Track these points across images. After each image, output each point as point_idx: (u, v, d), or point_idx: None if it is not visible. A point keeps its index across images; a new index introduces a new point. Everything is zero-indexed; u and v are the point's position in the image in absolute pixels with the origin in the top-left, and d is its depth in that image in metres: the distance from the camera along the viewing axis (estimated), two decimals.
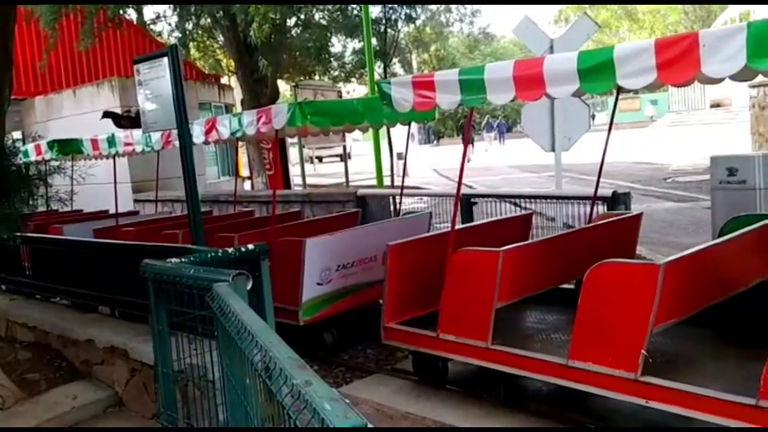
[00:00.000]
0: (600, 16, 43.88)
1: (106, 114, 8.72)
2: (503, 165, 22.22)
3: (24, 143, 10.65)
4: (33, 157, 8.71)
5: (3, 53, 4.89)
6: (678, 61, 2.97)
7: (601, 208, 5.81)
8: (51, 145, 8.47)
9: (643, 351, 3.30)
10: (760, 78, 3.93)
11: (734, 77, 3.07)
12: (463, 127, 34.37)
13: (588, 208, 5.66)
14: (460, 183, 4.73)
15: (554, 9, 45.88)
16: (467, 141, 4.72)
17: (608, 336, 3.47)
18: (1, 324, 6.14)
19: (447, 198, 8.14)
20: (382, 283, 4.69)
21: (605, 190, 6.02)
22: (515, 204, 7.47)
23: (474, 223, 6.32)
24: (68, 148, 8.40)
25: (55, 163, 10.46)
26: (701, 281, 3.75)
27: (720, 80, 3.19)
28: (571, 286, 4.82)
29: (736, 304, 3.95)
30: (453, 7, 24.57)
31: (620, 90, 3.85)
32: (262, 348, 1.86)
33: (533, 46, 7.23)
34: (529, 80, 3.55)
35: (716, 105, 35.43)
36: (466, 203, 7.21)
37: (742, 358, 3.68)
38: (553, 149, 7.28)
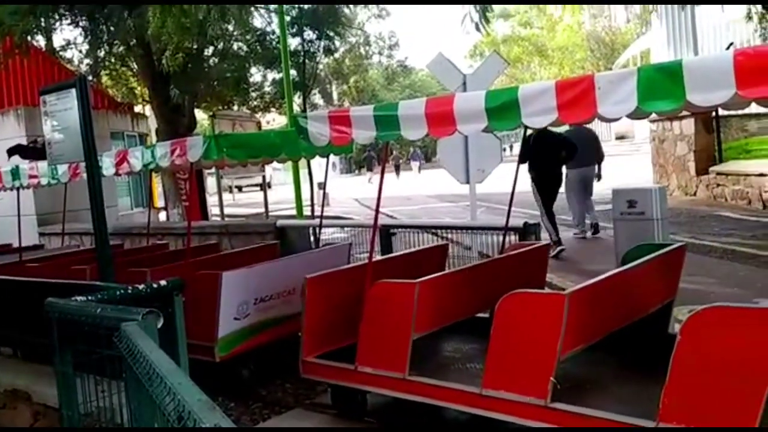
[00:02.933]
0: (513, 51, 45.75)
1: (12, 150, 8.38)
2: (423, 195, 22.59)
3: None
4: None
5: None
6: (576, 103, 3.16)
7: (513, 238, 6.02)
8: None
9: (551, 378, 3.42)
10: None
11: (630, 116, 3.29)
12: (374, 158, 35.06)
13: (501, 238, 5.85)
14: (376, 215, 4.81)
15: (469, 43, 47.49)
16: (383, 172, 4.81)
17: (519, 364, 3.58)
18: None
19: (367, 228, 8.21)
20: (301, 315, 4.68)
21: (518, 220, 6.25)
22: (434, 234, 7.63)
23: (392, 255, 6.41)
24: None
25: None
26: (605, 309, 3.94)
27: (617, 119, 3.41)
28: (487, 315, 4.95)
29: (637, 329, 4.17)
30: (372, 39, 25.00)
31: (527, 126, 4.02)
32: (170, 390, 1.83)
33: (446, 81, 7.48)
34: (441, 117, 3.69)
35: (621, 137, 37.47)
36: (385, 234, 7.30)
37: (643, 382, 3.87)
38: (467, 181, 7.50)
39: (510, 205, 5.40)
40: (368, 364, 4.27)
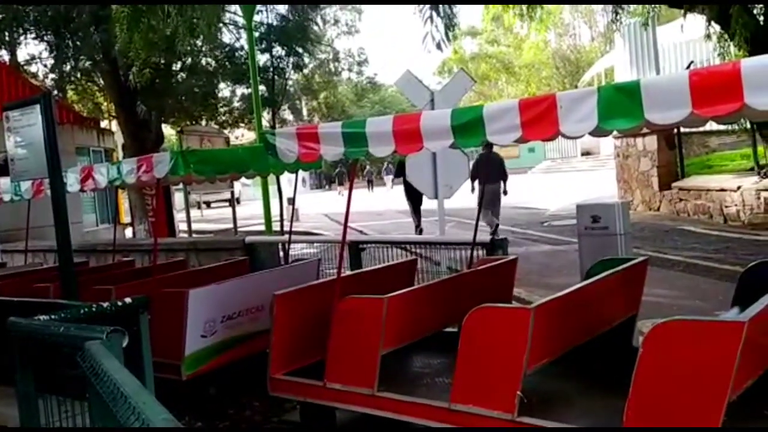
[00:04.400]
0: (480, 68, 46.43)
1: None
2: (393, 210, 22.63)
3: None
4: None
5: None
6: (539, 121, 3.22)
7: (481, 253, 6.07)
8: None
9: (518, 392, 3.45)
10: None
11: (591, 134, 3.37)
12: (348, 172, 35.49)
13: (468, 253, 5.90)
14: (345, 230, 4.81)
15: (438, 60, 48.03)
16: (351, 188, 4.83)
17: (486, 378, 3.61)
18: None
19: (336, 244, 8.21)
20: (269, 332, 4.65)
21: (486, 235, 6.32)
22: (403, 249, 7.66)
23: (360, 270, 6.41)
24: None
25: None
26: (570, 322, 4.00)
27: (579, 137, 3.49)
28: (455, 329, 4.97)
29: (602, 342, 4.23)
30: (341, 56, 25.11)
31: (493, 143, 4.09)
32: (135, 410, 1.81)
33: (414, 98, 7.56)
34: (408, 134, 3.73)
35: (587, 153, 38.20)
36: (354, 249, 7.30)
37: (608, 395, 3.92)
38: (436, 197, 7.56)
39: (477, 221, 5.47)
40: (337, 380, 4.26)
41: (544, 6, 14.64)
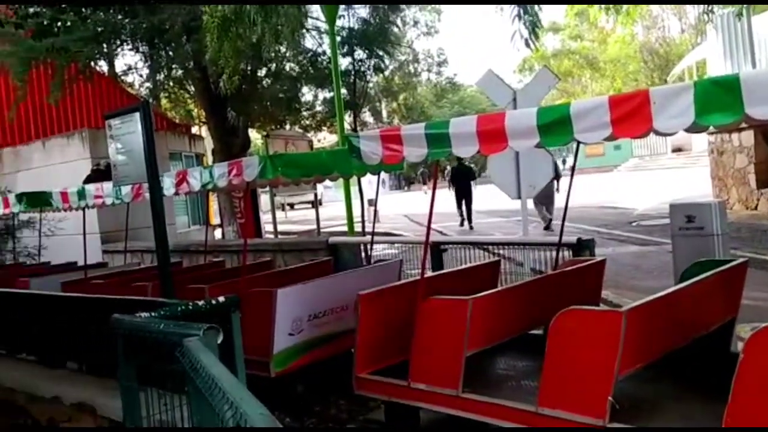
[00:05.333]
0: (563, 65, 45.32)
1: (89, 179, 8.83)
2: (473, 210, 22.42)
3: None
4: (0, 211, 8.62)
5: None
6: (631, 117, 3.12)
7: (566, 254, 5.94)
8: (19, 197, 8.40)
9: (609, 398, 3.36)
10: None
11: (688, 129, 3.24)
12: (431, 173, 35.49)
13: (554, 254, 5.79)
14: (428, 231, 4.82)
15: (518, 58, 47.24)
16: (434, 190, 4.82)
17: (575, 383, 3.53)
18: None
19: (417, 245, 8.24)
20: (354, 332, 4.72)
21: (572, 236, 6.17)
22: (485, 250, 7.59)
23: (443, 271, 6.40)
24: (37, 200, 8.34)
25: (24, 217, 10.43)
26: (664, 326, 3.85)
27: (673, 133, 3.36)
28: (540, 332, 4.89)
29: (698, 348, 4.05)
30: (421, 57, 25.14)
31: (580, 142, 3.99)
32: (232, 404, 1.89)
33: (497, 97, 7.46)
34: (492, 135, 3.69)
35: (677, 150, 36.60)
36: (436, 250, 7.30)
37: (704, 402, 3.76)
38: (519, 197, 7.45)
39: (563, 220, 5.35)
40: (421, 380, 4.27)
41: None
